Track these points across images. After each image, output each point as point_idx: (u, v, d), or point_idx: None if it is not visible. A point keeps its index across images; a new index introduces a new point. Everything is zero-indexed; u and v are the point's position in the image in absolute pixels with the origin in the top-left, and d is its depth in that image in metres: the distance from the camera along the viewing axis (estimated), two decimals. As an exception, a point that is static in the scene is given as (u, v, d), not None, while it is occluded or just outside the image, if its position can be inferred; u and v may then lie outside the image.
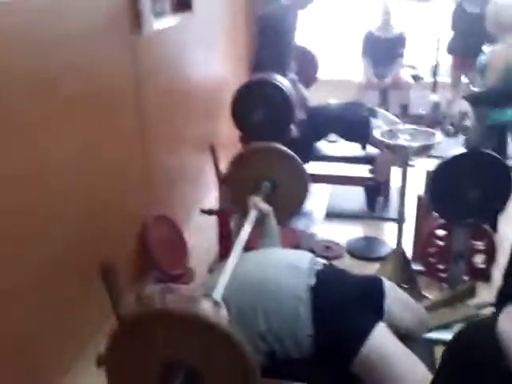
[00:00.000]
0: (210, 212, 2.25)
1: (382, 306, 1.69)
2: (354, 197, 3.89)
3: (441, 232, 2.68)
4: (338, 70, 5.82)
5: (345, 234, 3.45)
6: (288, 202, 2.34)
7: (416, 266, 2.83)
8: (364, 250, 3.23)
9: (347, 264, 3.07)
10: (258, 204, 2.12)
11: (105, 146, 2.44)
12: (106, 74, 2.40)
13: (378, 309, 1.68)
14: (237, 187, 2.36)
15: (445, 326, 2.46)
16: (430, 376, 1.52)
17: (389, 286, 1.79)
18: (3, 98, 1.75)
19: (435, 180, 2.34)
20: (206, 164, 2.83)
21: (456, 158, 2.27)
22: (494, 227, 3.20)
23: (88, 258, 2.26)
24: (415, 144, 2.24)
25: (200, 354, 1.23)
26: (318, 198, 4.05)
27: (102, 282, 1.31)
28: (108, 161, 2.47)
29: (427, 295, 2.66)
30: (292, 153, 2.30)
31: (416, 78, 5.47)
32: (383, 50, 5.25)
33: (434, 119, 4.99)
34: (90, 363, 1.81)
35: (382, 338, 1.57)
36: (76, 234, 2.21)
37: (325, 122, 3.74)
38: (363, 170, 3.77)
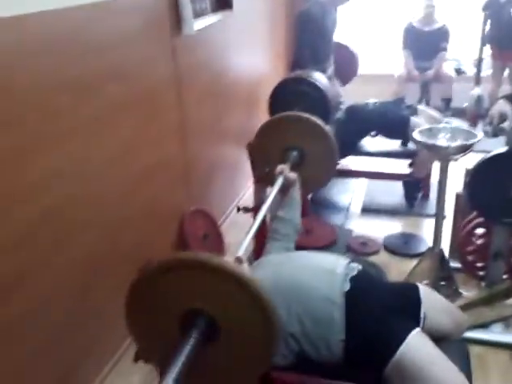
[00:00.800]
0: (245, 209, 2.29)
1: (419, 313, 1.69)
2: (392, 192, 3.88)
3: (480, 230, 2.66)
4: (378, 64, 5.77)
5: (382, 229, 3.45)
6: (316, 173, 2.33)
7: (453, 264, 2.81)
8: (401, 246, 3.22)
9: (384, 260, 3.09)
10: (285, 171, 2.12)
11: (147, 146, 2.52)
12: (148, 76, 2.47)
13: (414, 316, 1.68)
14: (263, 156, 2.37)
15: (481, 326, 2.46)
16: (466, 382, 1.53)
17: (425, 291, 1.79)
18: (51, 101, 1.84)
19: (475, 178, 2.32)
20: (244, 160, 2.88)
21: (496, 157, 2.25)
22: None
23: (128, 254, 2.37)
24: (454, 144, 2.22)
25: (220, 304, 1.24)
26: (354, 193, 4.06)
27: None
28: (149, 161, 2.55)
29: (464, 293, 2.65)
30: (322, 122, 2.30)
31: (459, 71, 5.37)
32: (425, 43, 5.18)
33: (477, 113, 4.91)
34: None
35: (417, 343, 1.55)
36: (116, 233, 2.30)
37: (364, 121, 3.72)
38: (402, 166, 3.76)
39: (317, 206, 3.79)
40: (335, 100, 3.77)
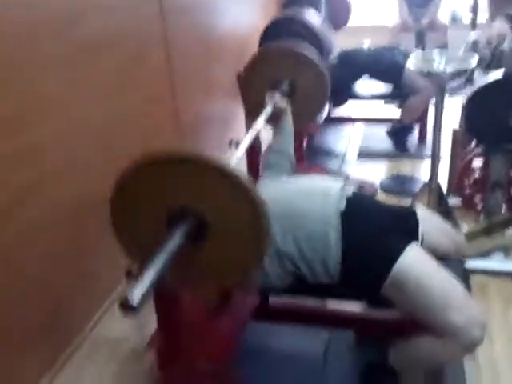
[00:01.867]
0: (237, 144, 2.22)
1: (417, 232, 1.65)
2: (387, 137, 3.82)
3: (477, 162, 2.61)
4: (371, 15, 5.66)
5: (378, 173, 3.41)
6: (306, 105, 2.27)
7: (452, 200, 2.78)
8: (398, 187, 3.18)
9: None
10: (275, 98, 2.04)
11: (132, 84, 2.44)
12: (132, 12, 2.38)
13: (412, 235, 1.63)
14: (254, 88, 2.30)
15: (482, 255, 2.43)
16: (467, 296, 1.49)
17: (422, 212, 1.75)
18: (28, 35, 1.76)
19: (472, 105, 2.27)
20: (237, 113, 2.80)
21: (494, 83, 2.19)
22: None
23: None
24: (450, 69, 2.15)
25: (208, 201, 1.19)
26: (350, 140, 4.00)
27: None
28: (135, 99, 2.47)
29: (464, 227, 2.61)
30: (312, 55, 2.23)
31: (454, 18, 5.27)
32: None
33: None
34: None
35: (415, 256, 1.52)
36: (101, 171, 2.23)
37: (357, 66, 3.65)
38: (394, 111, 3.72)
39: (312, 154, 3.73)
40: (327, 43, 3.68)
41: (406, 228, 1.65)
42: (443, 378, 1.85)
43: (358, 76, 3.72)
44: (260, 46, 3.07)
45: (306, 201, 1.63)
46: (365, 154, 3.73)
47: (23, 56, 1.77)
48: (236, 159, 1.56)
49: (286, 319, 2.05)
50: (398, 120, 3.67)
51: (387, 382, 1.72)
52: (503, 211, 2.57)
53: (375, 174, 3.40)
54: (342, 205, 1.61)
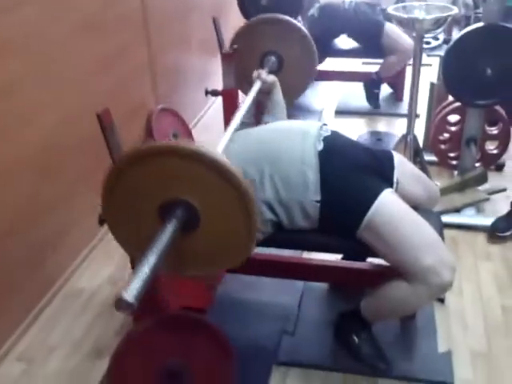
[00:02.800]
0: (214, 92, 2.18)
1: (392, 176, 1.66)
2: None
3: (454, 118, 2.61)
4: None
5: (355, 130, 3.39)
6: (296, 78, 2.24)
7: (427, 157, 2.78)
8: (374, 143, 3.17)
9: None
10: (262, 75, 2.03)
11: (104, 29, 2.37)
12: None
13: (387, 178, 1.64)
14: (241, 63, 2.25)
15: (454, 210, 2.46)
16: (438, 239, 1.52)
17: (399, 158, 1.75)
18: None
19: (450, 56, 2.24)
20: (214, 63, 2.72)
21: (472, 33, 2.16)
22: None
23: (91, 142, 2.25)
24: (430, 16, 2.12)
25: (199, 191, 1.19)
26: (329, 96, 3.96)
27: (100, 128, 1.29)
28: (108, 46, 2.40)
29: (438, 184, 2.63)
30: (300, 25, 2.18)
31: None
32: None
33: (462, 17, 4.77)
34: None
35: (389, 200, 1.53)
36: (76, 119, 2.18)
37: (337, 20, 3.59)
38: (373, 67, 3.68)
39: (289, 110, 3.68)
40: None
41: (382, 171, 1.66)
42: (414, 328, 1.90)
43: (336, 34, 3.67)
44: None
45: (283, 141, 1.62)
46: (342, 112, 3.71)
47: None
48: (225, 142, 1.52)
49: (263, 271, 2.06)
50: (374, 73, 3.64)
51: (359, 332, 1.75)
52: (477, 167, 2.59)
53: (352, 131, 3.38)
54: (320, 144, 1.60)
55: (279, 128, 1.72)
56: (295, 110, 3.73)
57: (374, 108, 3.70)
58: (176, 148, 1.17)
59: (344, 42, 3.72)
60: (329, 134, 1.66)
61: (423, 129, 2.95)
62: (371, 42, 3.50)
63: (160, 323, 1.54)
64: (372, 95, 3.71)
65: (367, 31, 3.49)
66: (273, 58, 2.14)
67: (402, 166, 1.73)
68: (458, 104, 2.49)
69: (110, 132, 1.30)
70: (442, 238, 1.67)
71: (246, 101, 1.88)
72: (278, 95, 2.04)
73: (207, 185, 1.18)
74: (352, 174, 1.59)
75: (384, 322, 1.81)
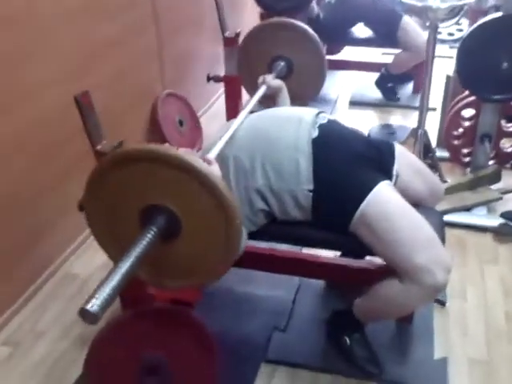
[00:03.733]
0: (216, 78, 2.11)
1: (391, 168, 1.58)
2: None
3: (468, 112, 2.50)
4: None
5: (369, 121, 3.30)
6: (304, 85, 2.16)
7: (440, 152, 2.68)
8: (386, 136, 3.06)
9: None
10: (268, 80, 1.95)
11: (111, 8, 2.31)
12: None
13: (386, 170, 1.56)
14: (250, 67, 2.19)
15: (465, 209, 2.36)
16: (434, 237, 1.43)
17: (400, 149, 1.66)
18: None
19: (466, 48, 2.13)
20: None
21: (489, 23, 2.05)
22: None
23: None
24: (444, 5, 2.02)
25: (181, 199, 1.16)
26: (343, 87, 3.86)
27: (79, 112, 1.24)
28: (114, 27, 2.35)
29: (448, 181, 2.53)
30: (311, 30, 2.09)
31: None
32: None
33: (479, 10, 4.60)
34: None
35: (384, 194, 1.45)
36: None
37: (354, 9, 3.48)
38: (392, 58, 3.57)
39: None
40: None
41: (380, 161, 1.57)
42: (411, 331, 1.82)
43: (352, 21, 3.56)
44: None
45: (277, 128, 1.56)
46: (357, 102, 3.61)
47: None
48: (217, 151, 1.46)
49: (259, 265, 2.00)
50: (385, 68, 3.53)
51: (351, 333, 1.68)
52: (490, 165, 2.48)
53: (365, 122, 3.29)
54: (315, 131, 1.53)
55: (275, 114, 1.65)
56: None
57: (394, 102, 3.57)
58: (158, 154, 1.13)
59: (361, 30, 3.60)
60: (325, 121, 1.58)
61: (438, 125, 2.84)
62: (388, 33, 3.37)
63: (140, 314, 1.49)
64: (387, 90, 3.59)
65: (384, 21, 3.37)
66: (282, 63, 2.07)
67: (404, 157, 1.65)
68: (472, 98, 2.38)
69: (88, 116, 1.24)
70: (443, 238, 1.58)
71: (248, 106, 1.81)
72: (284, 101, 1.97)
73: (189, 193, 1.15)
74: (347, 164, 1.51)
75: (380, 324, 1.75)
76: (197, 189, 1.13)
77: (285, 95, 2.01)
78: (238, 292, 2.00)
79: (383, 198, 1.44)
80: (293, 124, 1.54)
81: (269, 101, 2.03)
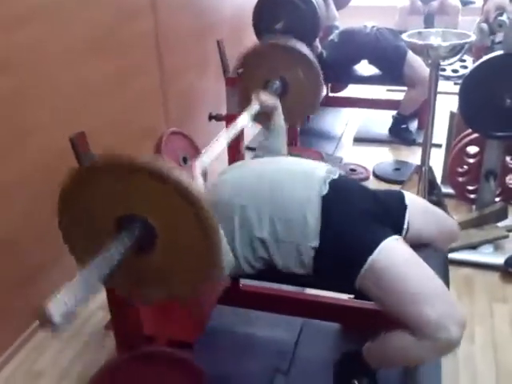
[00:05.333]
0: (218, 117, 2.12)
1: (403, 221, 1.55)
2: (388, 123, 3.66)
3: (473, 149, 2.48)
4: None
5: (373, 158, 3.29)
6: (300, 103, 2.15)
7: (445, 189, 2.66)
8: (391, 173, 3.06)
9: (372, 186, 2.92)
10: (261, 97, 1.92)
11: (115, 49, 2.35)
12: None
13: (396, 224, 1.54)
14: (245, 87, 2.19)
15: (471, 247, 2.32)
16: (445, 290, 1.39)
17: (410, 198, 1.63)
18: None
19: (468, 86, 2.13)
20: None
21: (491, 61, 2.06)
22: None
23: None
24: (446, 43, 2.02)
25: (154, 206, 1.13)
26: (348, 124, 3.88)
27: (75, 155, 1.23)
28: (119, 65, 2.39)
29: (455, 218, 2.49)
30: (307, 50, 2.10)
31: (465, 2, 5.07)
32: (430, -29, 4.87)
33: (482, 46, 4.64)
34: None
35: (393, 249, 1.41)
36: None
37: (358, 47, 3.49)
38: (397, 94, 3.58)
39: (307, 136, 3.61)
40: (328, 20, 3.55)
41: (390, 217, 1.54)
42: (419, 374, 1.76)
43: (356, 59, 3.58)
44: (253, 17, 2.92)
45: (289, 182, 1.52)
46: (361, 139, 3.61)
47: None
48: (206, 162, 1.45)
49: (258, 305, 1.96)
50: (396, 113, 3.54)
51: (361, 377, 1.62)
52: (496, 202, 2.44)
53: (370, 158, 3.28)
54: (326, 188, 1.50)
55: (283, 167, 1.61)
56: (312, 136, 3.67)
57: (412, 144, 3.50)
58: (131, 163, 1.10)
59: (366, 68, 3.63)
60: (336, 177, 1.55)
61: (442, 161, 2.83)
62: (393, 70, 3.38)
63: (137, 357, 1.46)
64: (403, 134, 3.56)
65: (389, 58, 3.38)
66: (277, 83, 2.07)
67: (414, 206, 1.61)
68: (476, 135, 2.37)
69: (84, 158, 1.23)
70: (447, 282, 1.54)
71: (239, 121, 1.81)
72: (279, 119, 1.95)
73: (167, 204, 1.11)
74: (355, 221, 1.47)
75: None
76: (176, 201, 1.10)
77: (279, 114, 1.97)
78: (238, 333, 1.95)
79: (390, 253, 1.40)
80: (304, 179, 1.51)
81: (262, 117, 1.99)
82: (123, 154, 1.11)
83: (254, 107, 1.86)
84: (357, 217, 1.48)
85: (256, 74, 2.15)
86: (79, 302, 0.95)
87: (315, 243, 1.43)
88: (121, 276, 1.18)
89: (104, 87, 2.28)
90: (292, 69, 2.10)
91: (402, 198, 1.61)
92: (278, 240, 1.45)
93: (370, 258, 1.37)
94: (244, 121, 1.80)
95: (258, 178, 1.56)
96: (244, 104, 2.15)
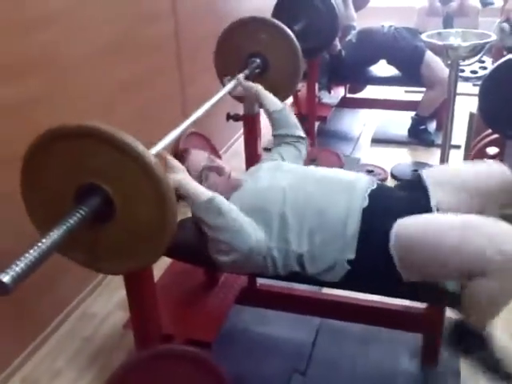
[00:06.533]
0: (235, 117, 2.12)
1: (429, 204, 1.51)
2: (406, 123, 3.64)
3: (492, 150, 2.45)
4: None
5: (391, 159, 3.27)
6: (280, 82, 2.11)
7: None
8: (409, 174, 3.03)
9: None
10: (239, 80, 1.90)
11: (136, 50, 2.39)
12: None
13: (427, 209, 1.49)
14: (226, 63, 2.17)
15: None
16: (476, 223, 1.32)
17: (433, 176, 1.59)
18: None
19: (488, 86, 2.10)
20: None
21: (509, 62, 2.02)
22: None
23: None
24: (466, 43, 2.01)
25: (117, 182, 1.13)
26: (366, 125, 3.86)
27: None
28: (139, 65, 2.41)
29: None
30: (284, 26, 2.07)
31: (485, 2, 5.02)
32: (449, -29, 4.83)
33: (503, 47, 4.59)
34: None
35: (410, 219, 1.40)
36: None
37: (376, 47, 3.49)
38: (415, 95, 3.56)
39: (324, 137, 3.61)
40: (346, 20, 3.54)
41: (419, 207, 1.49)
42: (436, 374, 1.75)
43: (374, 59, 3.56)
44: (274, 15, 2.92)
45: (329, 195, 1.51)
46: (379, 140, 3.60)
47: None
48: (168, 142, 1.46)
49: (275, 305, 1.97)
50: (415, 114, 3.53)
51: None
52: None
53: (388, 160, 3.26)
54: (366, 200, 1.49)
55: (325, 177, 1.60)
56: (331, 136, 3.66)
57: (429, 146, 3.47)
58: (93, 130, 1.10)
59: (384, 69, 3.61)
60: (374, 187, 1.55)
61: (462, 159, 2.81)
62: (411, 70, 3.36)
63: (156, 356, 1.46)
64: (422, 135, 3.53)
65: (407, 58, 3.36)
66: (257, 60, 2.05)
67: (437, 178, 1.58)
68: (496, 136, 2.34)
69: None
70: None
71: (217, 95, 1.80)
72: (268, 102, 1.90)
73: (124, 173, 1.11)
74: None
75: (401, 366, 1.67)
76: (136, 174, 1.11)
77: (265, 97, 1.93)
78: (254, 333, 1.96)
79: (409, 222, 1.39)
80: (345, 192, 1.51)
81: (241, 100, 2.02)
82: (94, 122, 1.11)
83: (231, 84, 1.86)
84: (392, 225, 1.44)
85: (236, 50, 2.12)
86: (33, 269, 0.95)
87: (351, 256, 1.42)
88: (79, 247, 1.20)
89: (127, 86, 2.31)
90: (272, 45, 2.06)
91: (423, 184, 1.58)
92: (314, 254, 1.44)
93: (392, 236, 1.36)
94: (219, 95, 1.80)
95: (296, 190, 1.53)
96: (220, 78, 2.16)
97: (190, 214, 1.56)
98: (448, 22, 4.97)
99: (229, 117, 2.13)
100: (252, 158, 2.15)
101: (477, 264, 1.29)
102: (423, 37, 2.13)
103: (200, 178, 1.58)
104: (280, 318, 1.99)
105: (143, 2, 2.45)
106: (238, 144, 3.57)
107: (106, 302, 2.20)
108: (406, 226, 1.39)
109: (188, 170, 1.51)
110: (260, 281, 1.96)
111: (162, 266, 1.91)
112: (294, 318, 1.97)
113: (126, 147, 1.09)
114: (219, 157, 3.12)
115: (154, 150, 1.40)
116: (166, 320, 1.57)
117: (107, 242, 1.21)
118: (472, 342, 1.50)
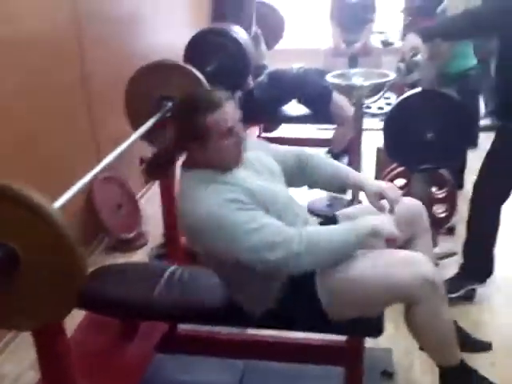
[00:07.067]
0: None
1: None
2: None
3: (400, 182, 2.58)
4: (304, 37, 5.70)
5: (307, 195, 3.33)
6: None
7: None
8: (324, 208, 3.12)
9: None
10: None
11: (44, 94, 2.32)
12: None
13: None
14: (138, 105, 2.18)
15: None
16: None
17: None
18: None
19: (390, 123, 2.23)
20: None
21: (410, 98, 2.16)
22: (460, 185, 3.13)
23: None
24: (367, 83, 2.12)
25: (19, 235, 1.12)
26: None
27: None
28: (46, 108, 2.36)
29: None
30: (192, 69, 2.12)
31: (386, 43, 5.35)
32: (352, 15, 5.11)
33: (403, 84, 4.89)
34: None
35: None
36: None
37: (286, 87, 3.60)
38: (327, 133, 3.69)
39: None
40: (258, 60, 3.63)
41: None
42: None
43: (286, 99, 3.67)
44: (185, 58, 2.95)
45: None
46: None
47: None
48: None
49: (197, 349, 1.92)
50: (328, 150, 3.68)
51: None
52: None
53: (303, 195, 3.32)
54: None
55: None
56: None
57: None
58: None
59: (296, 108, 3.72)
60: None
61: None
62: (321, 109, 3.48)
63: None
64: None
65: (317, 97, 3.48)
66: (169, 104, 2.07)
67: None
68: (403, 168, 2.47)
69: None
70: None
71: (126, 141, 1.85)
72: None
73: (23, 225, 1.11)
74: None
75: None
76: (35, 224, 1.11)
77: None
78: (178, 381, 1.90)
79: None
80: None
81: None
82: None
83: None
84: None
85: (148, 92, 2.14)
86: None
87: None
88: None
89: (29, 136, 2.23)
90: (183, 88, 2.10)
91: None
92: None
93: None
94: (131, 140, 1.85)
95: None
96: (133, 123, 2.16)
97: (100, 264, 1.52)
98: (353, 62, 5.25)
99: (142, 161, 2.10)
100: (169, 204, 2.13)
101: (402, 293, 1.42)
102: (328, 78, 2.23)
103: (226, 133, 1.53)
104: (204, 364, 1.95)
105: (50, 48, 2.40)
106: (155, 187, 3.52)
107: (18, 362, 2.06)
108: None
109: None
110: (181, 326, 1.92)
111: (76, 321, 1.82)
112: (218, 363, 1.93)
113: (21, 199, 1.08)
114: (135, 202, 3.08)
115: (63, 199, 1.37)
116: (81, 378, 1.49)
117: (16, 296, 1.17)
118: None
